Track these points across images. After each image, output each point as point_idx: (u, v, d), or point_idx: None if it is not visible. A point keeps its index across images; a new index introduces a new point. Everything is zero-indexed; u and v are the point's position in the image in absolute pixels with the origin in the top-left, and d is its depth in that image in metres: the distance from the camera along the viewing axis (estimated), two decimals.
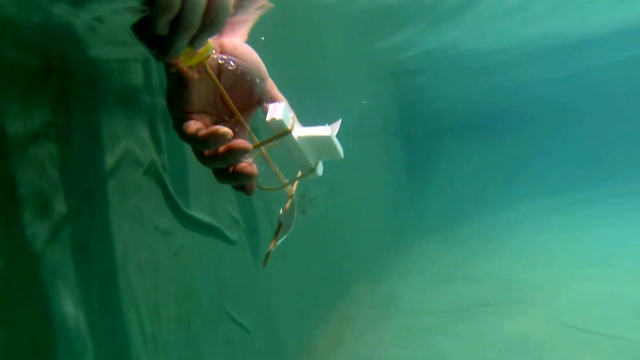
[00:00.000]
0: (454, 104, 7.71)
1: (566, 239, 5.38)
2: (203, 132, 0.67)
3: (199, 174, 1.95)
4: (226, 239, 2.09)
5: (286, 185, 0.82)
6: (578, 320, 3.19)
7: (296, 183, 0.83)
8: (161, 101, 1.70)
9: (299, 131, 0.75)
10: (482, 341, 3.08)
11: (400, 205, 6.26)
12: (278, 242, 0.89)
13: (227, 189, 2.24)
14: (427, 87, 6.54)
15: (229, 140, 0.66)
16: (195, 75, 0.73)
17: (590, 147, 9.52)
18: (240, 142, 0.67)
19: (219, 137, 0.65)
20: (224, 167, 0.72)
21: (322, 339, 3.15)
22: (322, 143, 0.75)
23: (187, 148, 1.89)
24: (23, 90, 1.01)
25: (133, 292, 1.34)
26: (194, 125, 0.70)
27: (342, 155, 0.77)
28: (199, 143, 0.67)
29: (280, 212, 0.88)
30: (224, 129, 0.65)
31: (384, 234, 5.29)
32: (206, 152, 0.69)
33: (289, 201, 0.86)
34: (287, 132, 0.72)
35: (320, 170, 0.80)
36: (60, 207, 1.06)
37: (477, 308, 3.64)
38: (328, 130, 0.74)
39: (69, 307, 1.07)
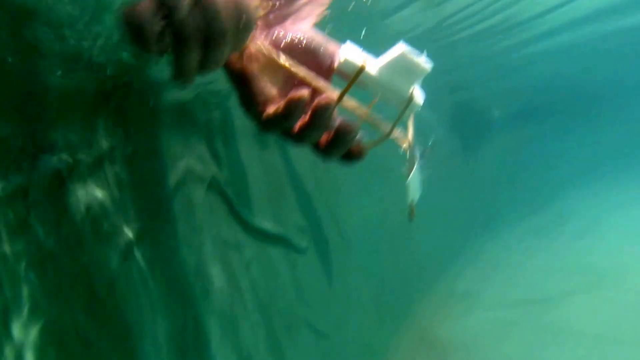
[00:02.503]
0: (503, 97, 7.46)
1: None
2: (280, 105, 0.64)
3: (260, 185, 1.96)
4: (295, 248, 2.09)
5: (392, 130, 0.73)
6: None
7: (410, 126, 0.76)
8: (216, 115, 1.73)
9: (375, 65, 0.68)
10: (572, 332, 2.91)
11: (465, 202, 6.10)
12: (413, 195, 0.82)
13: (290, 198, 2.25)
14: (472, 84, 6.37)
15: (307, 101, 0.62)
16: (254, 66, 0.70)
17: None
18: (321, 98, 0.63)
19: (296, 102, 0.61)
20: (320, 133, 0.67)
21: (401, 339, 3.09)
22: (402, 64, 0.67)
23: (247, 160, 1.91)
24: (86, 117, 1.05)
25: (209, 305, 1.36)
26: (271, 108, 0.69)
27: (428, 67, 0.69)
28: (283, 119, 0.64)
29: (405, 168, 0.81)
30: (297, 92, 0.62)
31: (453, 232, 5.16)
32: (296, 128, 0.66)
33: (404, 146, 0.79)
34: (362, 69, 0.66)
35: (419, 97, 0.71)
36: (130, 227, 1.09)
37: (561, 297, 3.45)
38: (402, 47, 0.67)
39: (149, 322, 1.09)
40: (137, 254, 1.09)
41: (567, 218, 5.78)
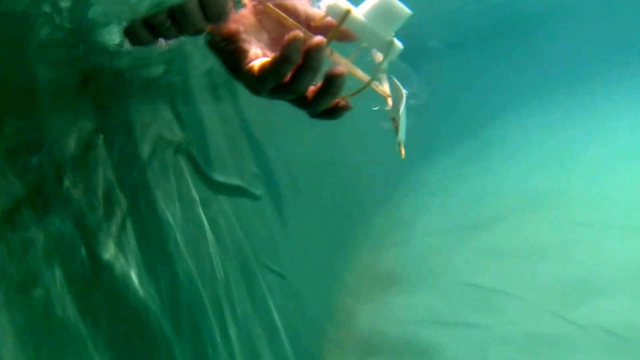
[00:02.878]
0: (439, 25, 7.54)
1: (571, 141, 5.33)
2: (276, 55, 0.65)
3: (219, 140, 2.05)
4: (252, 196, 2.22)
5: (374, 78, 0.77)
6: (591, 218, 3.32)
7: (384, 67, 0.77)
8: (176, 79, 1.77)
9: (359, 9, 0.69)
10: (500, 251, 3.25)
11: (410, 127, 6.30)
12: (401, 134, 0.89)
13: (244, 148, 2.34)
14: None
15: (304, 43, 0.62)
16: (239, 30, 0.72)
17: (586, 49, 9.34)
18: (312, 41, 0.63)
19: (293, 43, 0.61)
20: (312, 78, 0.68)
21: (350, 271, 3.36)
22: (386, 9, 0.68)
23: (206, 118, 1.98)
24: (69, 105, 1.10)
25: (188, 262, 1.49)
26: (258, 62, 0.68)
27: (409, 11, 0.70)
28: (281, 65, 0.64)
29: (387, 109, 0.87)
30: (292, 34, 0.62)
31: (391, 163, 5.40)
32: (289, 77, 0.67)
33: (384, 92, 0.85)
34: (348, 12, 0.67)
35: (398, 43, 0.73)
36: (121, 204, 1.18)
37: (495, 221, 3.74)
38: None
39: (139, 285, 1.21)
40: (129, 228, 1.19)
41: (500, 142, 6.05)
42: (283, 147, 2.73)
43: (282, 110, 2.97)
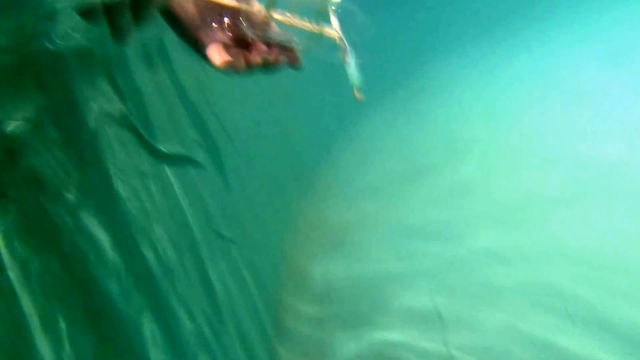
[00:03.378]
0: None
1: (498, 89, 5.53)
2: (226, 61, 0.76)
3: (158, 109, 2.03)
4: (195, 164, 2.24)
5: (320, 28, 0.83)
6: (512, 159, 3.59)
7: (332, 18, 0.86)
8: (110, 50, 1.74)
9: None
10: (439, 197, 3.44)
11: (335, 86, 6.34)
12: (356, 81, 0.96)
13: (183, 116, 2.33)
14: None
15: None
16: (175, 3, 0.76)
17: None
18: (257, 18, 0.73)
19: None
20: (266, 47, 0.78)
21: (299, 227, 3.45)
22: None
23: (143, 87, 1.97)
24: (11, 87, 1.08)
25: (141, 233, 1.51)
26: (218, 58, 0.76)
27: None
28: (231, 68, 0.76)
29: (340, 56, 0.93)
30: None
31: (328, 117, 5.45)
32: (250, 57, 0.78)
33: (336, 38, 0.91)
34: None
35: None
36: (73, 182, 1.18)
37: (430, 169, 3.89)
38: None
39: (96, 257, 1.24)
40: (85, 205, 1.20)
41: (431, 91, 6.16)
42: (221, 113, 2.73)
43: (217, 76, 2.96)
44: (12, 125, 1.04)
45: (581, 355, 2.09)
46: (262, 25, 0.76)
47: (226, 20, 0.77)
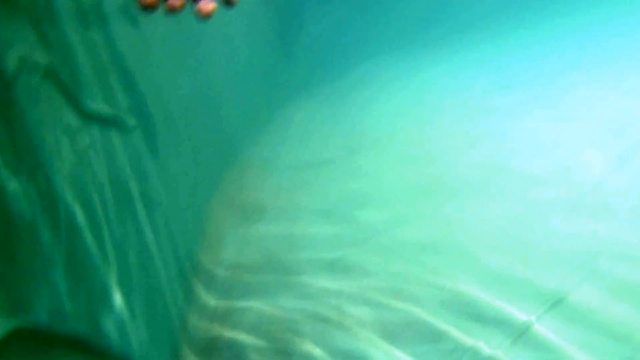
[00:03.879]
0: None
1: (413, 86, 5.80)
2: None
3: (89, 67, 1.99)
4: (125, 127, 2.21)
5: None
6: (422, 161, 3.78)
7: None
8: None
9: None
10: (355, 187, 3.59)
11: (274, 74, 6.40)
12: None
13: (116, 77, 2.29)
14: None
15: None
16: None
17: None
18: None
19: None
20: None
21: (219, 203, 3.48)
22: None
23: (75, 42, 1.92)
24: None
25: (65, 189, 1.50)
26: None
27: None
28: None
29: None
30: None
31: (261, 101, 5.49)
32: None
33: None
34: None
35: None
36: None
37: (341, 159, 4.09)
38: None
39: (20, 211, 1.23)
40: (13, 160, 1.18)
41: (361, 86, 6.41)
42: (156, 80, 2.70)
43: (155, 42, 2.90)
44: None
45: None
46: None
47: None
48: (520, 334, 2.20)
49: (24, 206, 1.28)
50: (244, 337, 2.57)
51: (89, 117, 1.87)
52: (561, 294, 2.30)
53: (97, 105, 1.98)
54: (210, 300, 2.68)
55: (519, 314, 2.25)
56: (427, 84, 5.68)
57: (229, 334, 2.58)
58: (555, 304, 2.29)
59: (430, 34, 8.45)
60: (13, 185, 1.25)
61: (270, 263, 2.91)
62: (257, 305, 2.65)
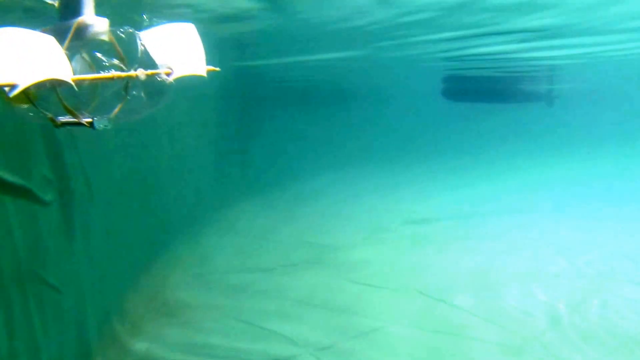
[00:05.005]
0: (281, 75, 8.07)
1: (370, 205, 6.01)
2: None
3: (9, 136, 1.88)
4: (40, 201, 2.06)
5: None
6: (362, 277, 3.76)
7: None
8: None
9: None
10: (283, 296, 3.47)
11: (224, 167, 6.41)
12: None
13: (39, 149, 2.17)
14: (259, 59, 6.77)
15: None
16: None
17: (398, 126, 10.61)
18: None
19: None
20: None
21: (136, 298, 3.22)
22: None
23: None
24: None
25: None
26: None
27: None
28: None
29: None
30: None
31: (206, 194, 5.40)
32: None
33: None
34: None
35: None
36: None
37: (282, 267, 4.03)
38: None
39: None
40: None
41: (309, 197, 6.55)
42: (87, 159, 2.58)
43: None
44: None
45: None
46: None
47: None
48: None
49: None
50: None
51: (2, 186, 1.72)
52: None
53: (12, 175, 1.84)
54: None
55: None
56: (386, 209, 5.86)
57: None
58: None
59: (401, 160, 8.87)
60: None
61: None
62: None
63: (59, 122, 1.18)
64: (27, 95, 1.09)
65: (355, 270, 3.87)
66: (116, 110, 1.31)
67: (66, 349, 2.19)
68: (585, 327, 2.94)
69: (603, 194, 6.21)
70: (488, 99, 10.07)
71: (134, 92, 1.26)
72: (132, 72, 1.21)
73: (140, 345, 2.81)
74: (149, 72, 1.26)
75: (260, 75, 8.29)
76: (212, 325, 3.12)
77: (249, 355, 2.76)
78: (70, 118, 1.15)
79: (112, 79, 1.16)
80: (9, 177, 1.83)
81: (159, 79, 1.26)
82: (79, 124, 1.20)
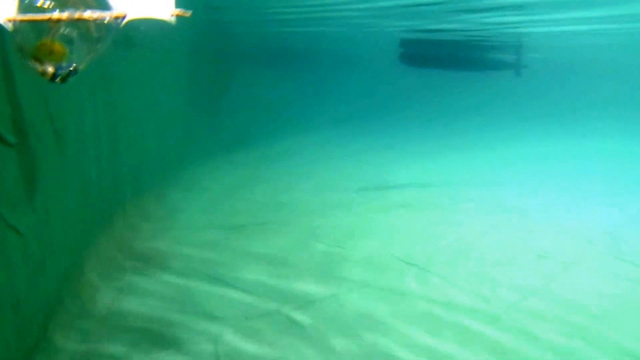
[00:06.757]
0: (254, 31, 7.96)
1: (340, 168, 6.04)
2: None
3: None
4: (4, 141, 2.00)
5: None
6: (329, 239, 3.80)
7: None
8: None
9: None
10: (249, 253, 3.50)
11: (192, 124, 6.31)
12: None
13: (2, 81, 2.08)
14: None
15: None
16: None
17: (366, 85, 10.55)
18: None
19: None
20: None
21: (105, 246, 3.20)
22: None
23: None
24: None
25: None
26: None
27: None
28: None
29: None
30: None
31: (176, 147, 5.33)
32: None
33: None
34: None
35: None
36: None
37: (253, 226, 4.04)
38: None
39: None
40: None
41: (279, 157, 6.51)
42: (52, 100, 2.50)
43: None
44: None
45: None
46: None
47: None
48: None
49: None
50: None
51: None
52: None
53: None
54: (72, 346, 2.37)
55: None
56: (357, 174, 5.87)
57: None
58: None
59: (372, 121, 8.82)
60: None
61: (150, 319, 2.67)
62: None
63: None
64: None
65: (321, 233, 3.92)
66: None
67: (32, 293, 2.17)
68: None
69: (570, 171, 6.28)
70: (451, 66, 10.04)
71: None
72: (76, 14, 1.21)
73: (109, 292, 2.82)
74: (96, 14, 1.19)
75: (232, 32, 8.16)
76: (177, 275, 3.15)
77: (211, 310, 2.81)
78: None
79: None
80: None
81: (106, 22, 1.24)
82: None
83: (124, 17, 1.28)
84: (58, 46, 1.18)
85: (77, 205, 2.82)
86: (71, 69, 1.22)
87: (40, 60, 1.21)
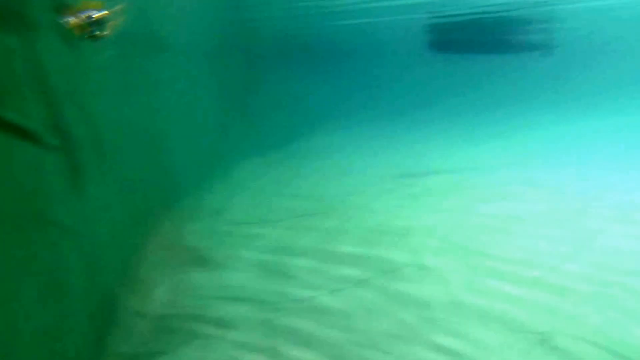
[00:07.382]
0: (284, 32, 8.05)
1: (379, 162, 5.96)
2: None
3: (5, 75, 1.81)
4: (45, 145, 2.01)
5: None
6: (374, 226, 3.80)
7: None
8: None
9: None
10: (295, 244, 3.52)
11: (229, 124, 6.36)
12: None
13: (37, 92, 2.09)
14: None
15: None
16: None
17: (399, 75, 10.40)
18: None
19: None
20: None
21: (154, 245, 3.24)
22: None
23: None
24: None
25: None
26: None
27: None
28: None
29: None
30: None
31: (212, 147, 5.37)
32: None
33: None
34: None
35: None
36: None
37: (295, 218, 4.04)
38: None
39: None
40: None
41: (317, 154, 6.53)
42: (90, 104, 2.51)
43: (95, 68, 2.72)
44: None
45: None
46: None
47: None
48: None
49: None
50: None
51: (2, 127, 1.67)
52: None
53: (12, 114, 1.78)
54: (126, 349, 2.40)
55: None
56: (385, 165, 5.79)
57: None
58: None
59: (404, 117, 8.74)
60: None
61: (203, 312, 2.69)
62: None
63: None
64: None
65: (368, 220, 3.91)
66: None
67: (86, 290, 2.19)
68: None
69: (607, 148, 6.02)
70: (482, 50, 9.75)
71: None
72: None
73: (165, 289, 2.86)
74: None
75: (260, 31, 8.23)
76: (229, 270, 3.17)
77: (266, 297, 2.83)
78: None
79: None
80: (16, 119, 1.76)
81: None
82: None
83: None
84: None
85: (121, 206, 2.84)
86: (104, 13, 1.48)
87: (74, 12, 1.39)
